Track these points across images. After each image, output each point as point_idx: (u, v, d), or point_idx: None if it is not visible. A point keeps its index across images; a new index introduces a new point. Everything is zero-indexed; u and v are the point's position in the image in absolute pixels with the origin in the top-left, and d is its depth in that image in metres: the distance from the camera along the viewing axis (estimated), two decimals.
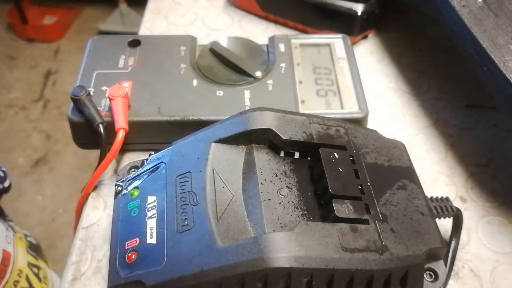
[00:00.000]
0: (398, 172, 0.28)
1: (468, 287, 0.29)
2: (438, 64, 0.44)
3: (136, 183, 0.27)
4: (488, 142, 0.37)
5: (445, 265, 0.26)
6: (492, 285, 0.29)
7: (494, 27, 0.31)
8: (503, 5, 0.33)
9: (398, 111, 0.40)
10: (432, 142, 0.37)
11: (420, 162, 0.36)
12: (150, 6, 0.49)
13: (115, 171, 0.34)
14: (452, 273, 0.28)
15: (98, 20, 1.75)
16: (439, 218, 0.28)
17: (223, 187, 0.24)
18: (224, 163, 0.25)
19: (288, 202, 0.25)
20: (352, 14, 0.42)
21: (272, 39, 0.39)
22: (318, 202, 0.25)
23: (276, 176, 0.25)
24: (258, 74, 0.36)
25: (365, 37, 0.46)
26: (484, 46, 0.30)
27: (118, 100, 0.32)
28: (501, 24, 0.31)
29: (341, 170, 0.25)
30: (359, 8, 0.42)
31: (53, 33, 1.72)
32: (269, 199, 0.24)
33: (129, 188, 0.27)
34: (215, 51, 0.38)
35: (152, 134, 0.33)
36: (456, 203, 0.33)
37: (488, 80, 0.31)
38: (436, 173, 0.35)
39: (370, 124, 0.36)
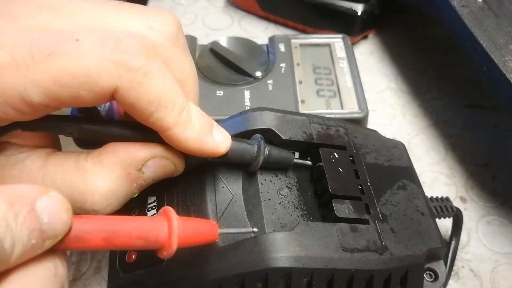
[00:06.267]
0: (398, 172, 0.28)
1: (468, 287, 0.29)
2: (438, 64, 0.44)
3: None
4: (488, 142, 0.37)
5: (445, 265, 0.26)
6: (492, 285, 0.29)
7: (494, 27, 0.31)
8: (503, 5, 0.33)
9: (398, 111, 0.40)
10: (432, 142, 0.37)
11: (420, 162, 0.36)
12: (150, 6, 0.49)
13: None
14: (452, 273, 0.28)
15: None
16: (439, 218, 0.28)
17: (223, 187, 0.24)
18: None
19: (288, 202, 0.24)
20: (352, 14, 0.42)
21: (272, 39, 0.39)
22: (318, 202, 0.25)
23: (276, 176, 0.25)
24: (258, 74, 0.36)
25: (365, 37, 0.46)
26: (484, 46, 0.30)
27: None
28: (501, 24, 0.31)
29: (341, 170, 0.25)
30: (359, 8, 0.42)
31: None
32: (269, 199, 0.24)
33: None
34: (215, 51, 0.38)
35: None
36: (456, 203, 0.33)
37: (488, 80, 0.31)
38: (436, 173, 0.35)
39: (370, 124, 0.36)
